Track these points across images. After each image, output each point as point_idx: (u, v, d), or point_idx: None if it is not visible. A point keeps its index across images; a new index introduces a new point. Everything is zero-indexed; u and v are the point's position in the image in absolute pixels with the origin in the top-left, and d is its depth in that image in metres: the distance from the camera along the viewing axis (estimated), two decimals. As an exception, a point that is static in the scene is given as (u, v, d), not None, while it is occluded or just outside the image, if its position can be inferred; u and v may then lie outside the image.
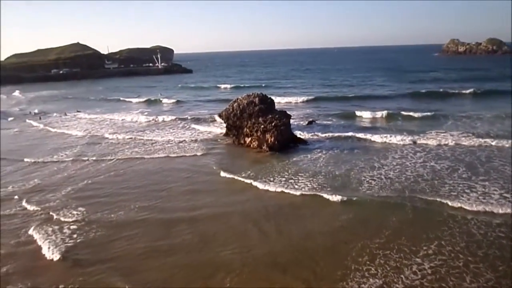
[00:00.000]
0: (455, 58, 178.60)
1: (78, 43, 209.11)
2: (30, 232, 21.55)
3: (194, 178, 29.62)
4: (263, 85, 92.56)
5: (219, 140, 41.93)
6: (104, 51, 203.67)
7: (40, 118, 62.88)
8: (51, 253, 18.98)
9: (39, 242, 20.24)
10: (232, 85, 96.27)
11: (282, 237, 19.64)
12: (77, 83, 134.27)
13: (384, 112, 49.30)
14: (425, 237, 18.96)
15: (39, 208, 24.74)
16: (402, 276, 15.98)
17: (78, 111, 68.86)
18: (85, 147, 41.34)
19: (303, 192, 25.29)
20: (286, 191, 25.63)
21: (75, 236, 20.84)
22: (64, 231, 21.50)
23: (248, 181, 27.76)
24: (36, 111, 71.07)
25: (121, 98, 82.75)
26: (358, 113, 50.80)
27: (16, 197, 26.87)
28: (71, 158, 36.44)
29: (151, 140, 43.28)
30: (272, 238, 19.61)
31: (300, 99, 65.67)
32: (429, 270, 16.28)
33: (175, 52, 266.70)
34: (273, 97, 43.58)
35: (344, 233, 19.70)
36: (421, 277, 15.85)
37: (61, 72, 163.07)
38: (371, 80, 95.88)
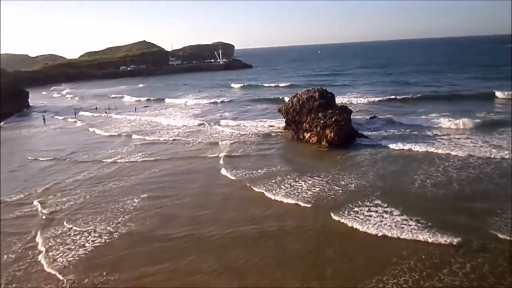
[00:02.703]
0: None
1: (144, 40, 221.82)
2: (37, 239, 21.67)
3: (219, 186, 28.63)
4: (322, 83, 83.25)
5: (278, 135, 42.81)
6: (168, 48, 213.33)
7: (106, 113, 68.36)
8: (51, 266, 18.72)
9: (43, 250, 20.32)
10: (287, 84, 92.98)
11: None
12: (143, 79, 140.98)
13: (463, 121, 40.90)
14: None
15: (47, 212, 25.31)
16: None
17: (145, 107, 73.81)
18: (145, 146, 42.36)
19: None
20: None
21: (80, 248, 20.27)
22: (72, 241, 21.22)
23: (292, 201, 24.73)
24: (107, 107, 76.74)
25: (168, 99, 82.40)
26: (430, 115, 45.44)
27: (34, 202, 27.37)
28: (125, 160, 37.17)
29: (211, 135, 45.15)
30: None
31: (361, 100, 61.20)
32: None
33: (235, 47, 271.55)
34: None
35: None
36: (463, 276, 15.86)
37: (128, 69, 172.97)
38: (438, 75, 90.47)
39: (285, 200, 24.34)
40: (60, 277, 17.66)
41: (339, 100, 54.66)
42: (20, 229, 23.18)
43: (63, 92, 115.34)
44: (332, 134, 35.94)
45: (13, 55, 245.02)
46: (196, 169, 32.78)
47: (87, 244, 20.58)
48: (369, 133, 39.73)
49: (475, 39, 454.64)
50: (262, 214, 22.88)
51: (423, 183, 25.84)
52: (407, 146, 34.07)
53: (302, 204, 23.58)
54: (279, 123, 45.77)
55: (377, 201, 23.16)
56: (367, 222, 20.70)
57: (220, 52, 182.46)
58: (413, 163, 29.91)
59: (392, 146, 34.57)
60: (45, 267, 18.60)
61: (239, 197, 26.06)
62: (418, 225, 19.92)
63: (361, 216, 21.41)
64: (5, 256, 19.99)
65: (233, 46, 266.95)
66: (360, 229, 20.01)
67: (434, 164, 29.34)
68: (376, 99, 60.40)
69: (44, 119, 65.82)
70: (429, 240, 18.32)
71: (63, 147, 44.04)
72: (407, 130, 39.96)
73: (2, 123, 64.63)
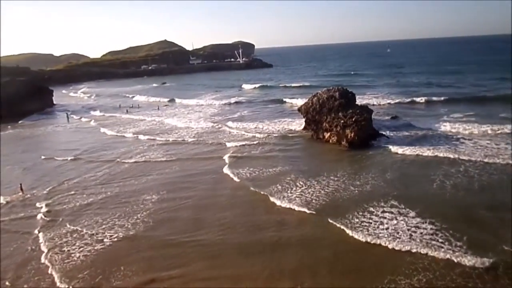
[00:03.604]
0: None
1: (165, 40, 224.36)
2: (43, 238, 22.12)
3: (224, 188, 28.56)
4: (341, 83, 77.79)
5: (298, 135, 42.75)
6: (189, 47, 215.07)
7: (127, 111, 69.62)
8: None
9: (47, 250, 20.75)
10: (306, 84, 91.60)
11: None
12: (163, 78, 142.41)
13: (488, 124, 39.19)
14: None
15: (54, 211, 25.98)
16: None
17: (166, 105, 74.94)
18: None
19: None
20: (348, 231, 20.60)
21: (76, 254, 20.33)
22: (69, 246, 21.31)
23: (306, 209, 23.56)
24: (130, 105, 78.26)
25: (185, 100, 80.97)
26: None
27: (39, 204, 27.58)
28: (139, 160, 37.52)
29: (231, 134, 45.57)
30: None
31: (382, 100, 59.94)
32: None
33: (255, 47, 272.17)
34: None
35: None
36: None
37: (149, 68, 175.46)
38: (458, 75, 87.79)
39: (297, 208, 23.66)
40: (66, 280, 17.95)
41: (358, 100, 54.12)
42: (28, 228, 23.82)
43: (82, 91, 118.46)
44: (352, 134, 35.82)
45: (38, 54, 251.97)
46: (210, 170, 32.55)
47: (94, 247, 20.85)
48: (390, 133, 39.41)
49: (476, 38, 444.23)
50: (273, 219, 22.60)
51: (442, 184, 25.62)
52: (429, 148, 33.64)
53: (312, 210, 23.12)
54: (298, 123, 45.80)
55: (393, 202, 23.08)
56: (380, 226, 20.44)
57: (240, 51, 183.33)
58: (433, 165, 29.54)
59: (413, 147, 34.20)
60: (50, 268, 19.06)
61: (251, 201, 25.72)
62: (433, 227, 19.77)
63: (376, 218, 21.32)
64: (14, 255, 20.66)
65: (253, 45, 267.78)
66: (374, 240, 19.19)
67: (455, 167, 28.83)
68: (397, 100, 59.55)
69: (67, 117, 67.66)
70: (443, 255, 17.45)
71: (81, 146, 45.24)
72: (429, 132, 39.44)
73: (20, 121, 66.48)
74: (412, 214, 21.36)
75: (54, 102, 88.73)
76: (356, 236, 19.64)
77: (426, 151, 32.80)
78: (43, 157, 40.62)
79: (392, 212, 21.77)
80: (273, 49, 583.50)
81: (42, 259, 19.87)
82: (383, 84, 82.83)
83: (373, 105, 54.45)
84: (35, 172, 35.52)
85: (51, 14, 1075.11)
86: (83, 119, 65.95)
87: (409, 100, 59.12)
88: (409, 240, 18.81)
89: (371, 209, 22.40)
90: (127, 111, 70.39)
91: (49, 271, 18.72)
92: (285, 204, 24.27)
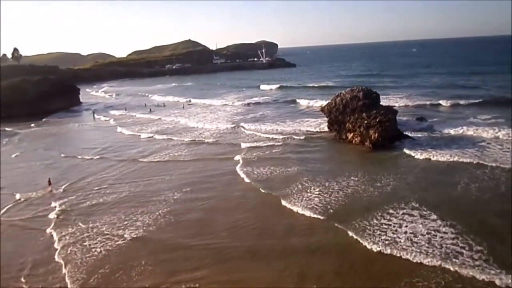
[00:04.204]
0: None
1: (189, 39, 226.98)
2: (57, 237, 22.62)
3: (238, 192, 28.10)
4: (365, 84, 73.21)
5: (320, 136, 42.62)
6: (212, 47, 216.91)
7: (150, 111, 70.73)
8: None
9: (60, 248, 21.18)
10: (329, 84, 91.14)
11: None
12: (186, 78, 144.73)
13: None
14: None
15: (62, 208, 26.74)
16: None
17: (189, 104, 76.53)
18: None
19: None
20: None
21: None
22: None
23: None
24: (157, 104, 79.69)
25: (206, 100, 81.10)
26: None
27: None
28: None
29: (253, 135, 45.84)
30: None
31: (407, 101, 58.75)
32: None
33: (279, 46, 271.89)
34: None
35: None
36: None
37: (174, 67, 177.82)
38: (485, 76, 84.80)
39: (314, 212, 23.24)
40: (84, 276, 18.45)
41: (383, 101, 53.25)
42: (47, 224, 24.47)
43: (103, 90, 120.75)
44: (376, 135, 35.59)
45: (66, 54, 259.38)
46: (228, 172, 32.40)
47: (115, 243, 21.32)
48: (415, 135, 38.74)
49: (485, 39, 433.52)
50: (289, 224, 22.31)
51: (467, 187, 25.19)
52: (454, 151, 32.98)
53: (329, 213, 22.88)
54: (321, 124, 45.46)
55: (413, 204, 22.85)
56: (398, 229, 20.25)
57: (263, 51, 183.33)
58: (458, 169, 28.93)
59: (438, 149, 33.60)
60: (63, 268, 19.38)
61: (263, 202, 25.74)
62: (453, 230, 19.53)
63: (395, 220, 21.16)
64: (28, 254, 21.13)
65: (276, 45, 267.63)
66: (390, 246, 18.75)
67: (481, 170, 28.08)
68: (423, 101, 58.56)
69: (93, 115, 69.40)
70: (463, 264, 16.88)
71: (101, 144, 46.36)
72: (455, 134, 38.65)
73: (44, 119, 68.34)
74: (433, 217, 21.05)
75: (81, 101, 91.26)
76: (371, 242, 19.22)
77: (451, 154, 32.10)
78: (62, 155, 41.82)
79: (412, 215, 21.53)
80: (297, 48, 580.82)
81: (57, 256, 20.36)
82: (408, 84, 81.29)
83: (398, 106, 53.44)
84: (55, 170, 36.50)
85: (80, 14, 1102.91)
86: (103, 118, 67.11)
87: (434, 101, 57.97)
88: (428, 246, 18.41)
89: (391, 211, 22.24)
90: (150, 110, 71.38)
91: (62, 269, 19.14)
92: (302, 207, 23.90)
